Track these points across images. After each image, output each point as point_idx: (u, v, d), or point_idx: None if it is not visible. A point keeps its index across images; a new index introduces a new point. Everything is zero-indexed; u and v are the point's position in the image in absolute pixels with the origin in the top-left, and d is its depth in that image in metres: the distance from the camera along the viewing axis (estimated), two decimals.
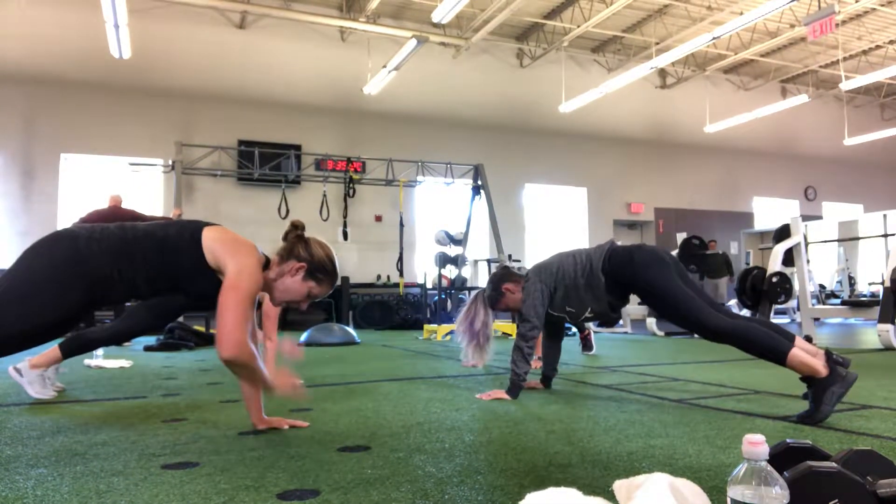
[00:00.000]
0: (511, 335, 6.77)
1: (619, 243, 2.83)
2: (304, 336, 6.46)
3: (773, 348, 2.30)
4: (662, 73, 14.66)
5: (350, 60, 11.83)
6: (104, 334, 2.90)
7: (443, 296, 9.17)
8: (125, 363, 4.25)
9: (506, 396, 2.76)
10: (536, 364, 3.50)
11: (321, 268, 2.02)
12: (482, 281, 10.75)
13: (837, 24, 11.17)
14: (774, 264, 6.88)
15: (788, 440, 1.24)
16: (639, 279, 2.63)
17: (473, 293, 3.09)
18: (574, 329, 5.30)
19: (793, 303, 8.95)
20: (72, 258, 1.81)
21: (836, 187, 16.78)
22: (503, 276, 3.04)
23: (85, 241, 1.84)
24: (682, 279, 2.60)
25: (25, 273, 1.80)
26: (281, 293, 2.03)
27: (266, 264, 2.00)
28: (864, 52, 13.94)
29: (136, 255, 1.87)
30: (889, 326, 5.41)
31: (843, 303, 7.96)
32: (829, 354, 2.28)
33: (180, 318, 5.98)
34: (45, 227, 9.19)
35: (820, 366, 2.21)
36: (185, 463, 1.68)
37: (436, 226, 9.76)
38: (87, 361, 4.18)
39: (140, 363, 4.49)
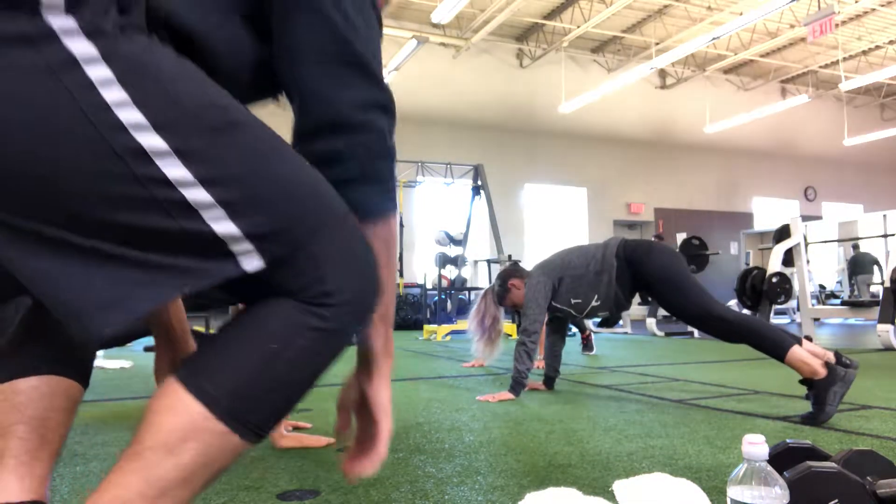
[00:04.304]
0: (512, 336, 6.76)
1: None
2: None
3: (776, 342, 2.31)
4: (662, 73, 14.66)
5: None
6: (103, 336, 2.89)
7: (443, 296, 9.16)
8: (125, 363, 4.24)
9: (508, 396, 2.75)
10: (539, 364, 3.50)
11: None
12: (482, 281, 10.75)
13: (837, 25, 11.17)
14: (774, 264, 6.87)
15: (788, 440, 1.24)
16: (655, 263, 2.65)
17: (483, 290, 3.14)
18: (574, 329, 5.30)
19: (793, 303, 8.94)
20: None
21: (836, 187, 16.78)
22: (510, 271, 3.08)
23: None
24: None
25: None
26: None
27: None
28: (864, 53, 13.94)
29: None
30: (889, 326, 5.40)
31: (843, 303, 7.96)
32: (838, 356, 2.29)
33: None
34: None
35: (818, 366, 2.21)
36: None
37: (436, 226, 9.76)
38: None
39: (140, 363, 4.48)
